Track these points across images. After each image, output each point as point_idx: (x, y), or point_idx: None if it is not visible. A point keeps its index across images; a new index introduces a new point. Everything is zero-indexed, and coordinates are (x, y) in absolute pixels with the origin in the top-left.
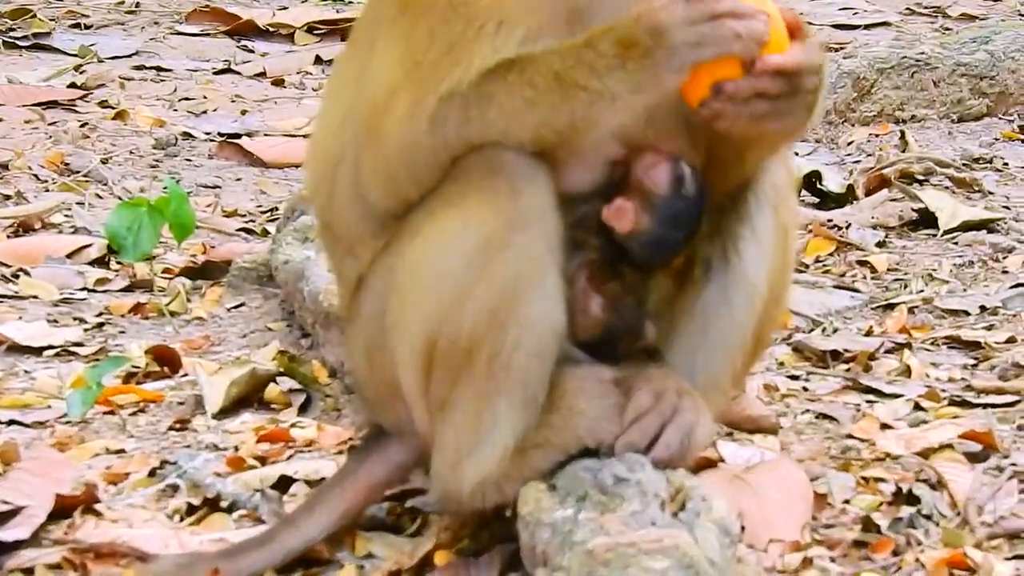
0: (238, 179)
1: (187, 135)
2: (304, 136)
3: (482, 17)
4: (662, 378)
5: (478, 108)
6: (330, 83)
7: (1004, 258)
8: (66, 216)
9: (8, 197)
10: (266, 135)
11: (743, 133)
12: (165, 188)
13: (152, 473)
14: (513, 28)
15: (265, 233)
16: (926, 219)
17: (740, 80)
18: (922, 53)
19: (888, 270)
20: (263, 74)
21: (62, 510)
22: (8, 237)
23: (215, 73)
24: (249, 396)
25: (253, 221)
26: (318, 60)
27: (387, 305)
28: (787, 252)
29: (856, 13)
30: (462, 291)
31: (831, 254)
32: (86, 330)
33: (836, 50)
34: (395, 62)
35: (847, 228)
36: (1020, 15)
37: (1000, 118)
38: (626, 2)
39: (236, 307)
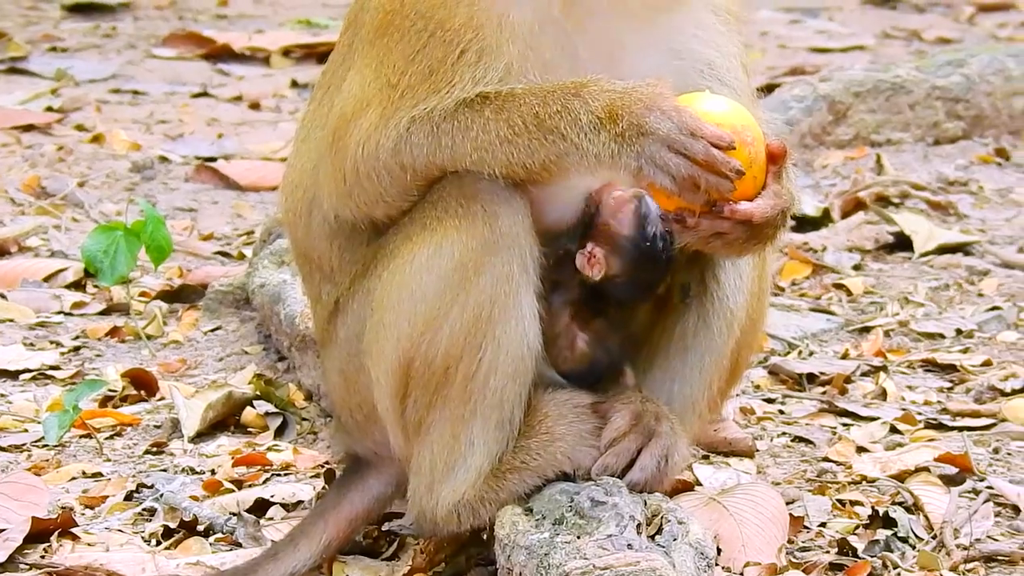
0: (215, 202)
1: (163, 158)
2: (281, 160)
3: (462, 44)
4: (639, 402)
5: (451, 137)
6: (308, 108)
7: (980, 281)
8: (42, 239)
9: None
10: (242, 158)
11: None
12: (141, 211)
13: (129, 496)
14: (495, 59)
15: (241, 256)
16: (902, 242)
17: (700, 219)
18: (898, 76)
19: (864, 293)
20: (239, 97)
21: (39, 533)
22: None
23: (191, 96)
24: (226, 419)
25: (229, 244)
26: (294, 83)
27: (363, 328)
28: (764, 277)
29: (832, 36)
30: (438, 313)
31: (807, 277)
32: (63, 353)
33: (811, 73)
34: (369, 81)
35: (823, 251)
36: (995, 38)
37: (975, 141)
38: (610, 51)
39: (212, 330)
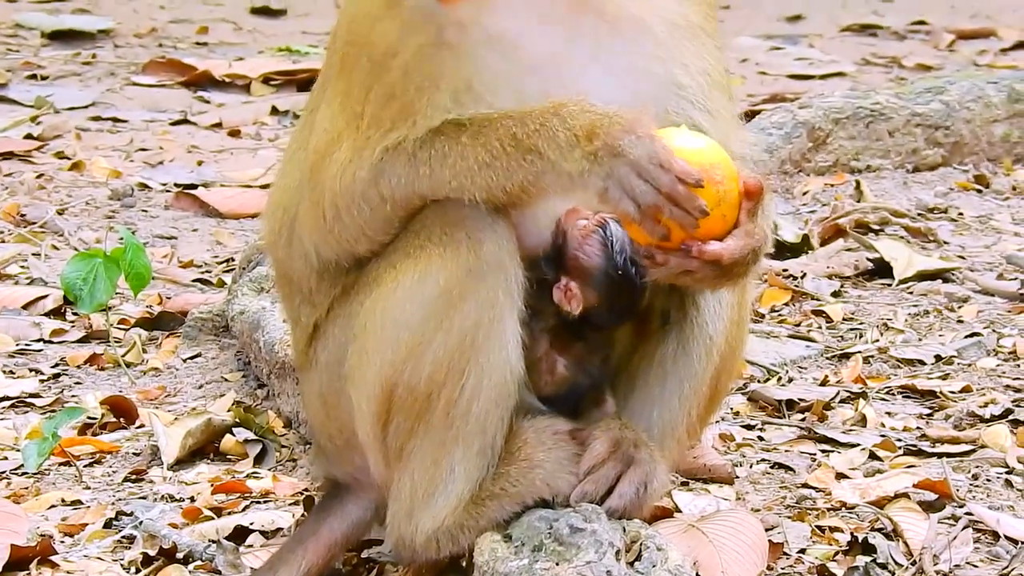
0: (194, 230)
1: (143, 186)
2: (261, 187)
3: (414, 72)
4: (618, 429)
5: (428, 166)
6: (291, 139)
7: (959, 308)
8: (22, 267)
9: None
10: (222, 186)
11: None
12: (121, 239)
13: (108, 524)
14: (449, 84)
15: (221, 284)
16: (881, 269)
17: (669, 256)
18: (877, 103)
19: (843, 320)
20: (219, 125)
21: (18, 561)
22: None
23: (171, 124)
24: (205, 447)
25: (209, 272)
26: (274, 111)
27: (345, 353)
28: (743, 304)
29: (812, 63)
30: (422, 340)
31: (787, 304)
32: (42, 381)
33: (791, 100)
34: (337, 113)
35: (802, 278)
36: (975, 65)
37: (955, 168)
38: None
39: (192, 358)
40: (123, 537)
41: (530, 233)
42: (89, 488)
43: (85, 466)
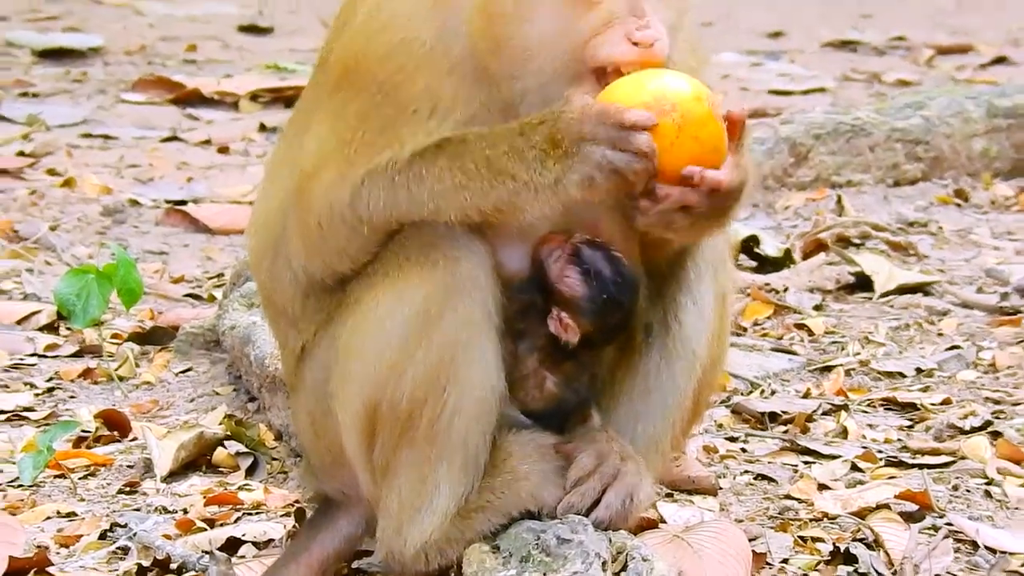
0: (185, 245)
1: (134, 202)
2: (250, 203)
3: (415, 103)
4: (604, 441)
5: (407, 190)
6: (273, 156)
7: (939, 321)
8: (16, 283)
9: None
10: (212, 202)
11: (659, 234)
12: (113, 255)
13: (103, 536)
14: (447, 115)
15: (212, 299)
16: (862, 282)
17: (670, 190)
18: (858, 119)
19: (825, 333)
20: (208, 141)
21: (15, 572)
22: None
23: (161, 141)
24: (197, 459)
25: (200, 287)
26: (263, 127)
27: (330, 374)
28: (725, 318)
29: (793, 79)
30: (402, 357)
31: (769, 317)
32: (36, 395)
33: (773, 115)
34: (326, 136)
35: (785, 292)
36: (954, 81)
37: (935, 182)
38: (548, 102)
39: (184, 372)
40: (118, 548)
41: (508, 257)
42: (84, 500)
43: (80, 478)
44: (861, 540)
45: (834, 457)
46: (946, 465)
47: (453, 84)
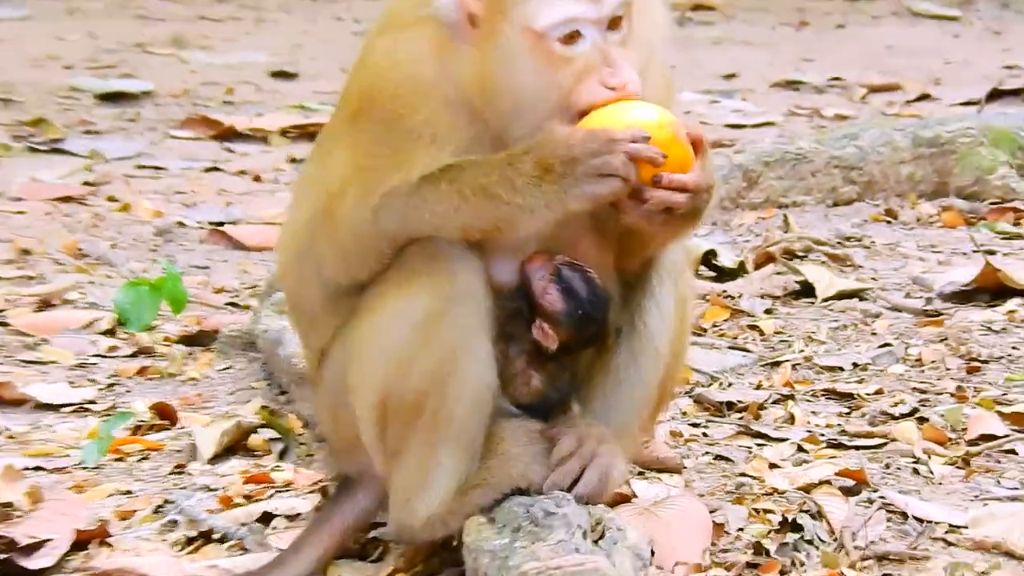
0: (224, 261)
1: (181, 224)
2: (280, 224)
3: (418, 131)
4: (583, 427)
5: (415, 209)
6: (300, 178)
7: (872, 322)
8: (80, 294)
9: (32, 278)
10: (248, 223)
11: (642, 230)
12: (163, 269)
13: (155, 511)
14: (445, 143)
15: (248, 307)
16: (806, 289)
17: (655, 192)
18: (801, 148)
19: (774, 333)
20: (244, 171)
21: (80, 542)
22: (32, 312)
23: (204, 171)
24: (236, 445)
25: (238, 296)
26: (291, 159)
27: (347, 371)
28: (685, 320)
29: (745, 114)
30: (408, 357)
31: (726, 320)
32: (99, 390)
33: (728, 146)
34: (347, 161)
35: (739, 298)
36: (884, 115)
37: (868, 203)
38: (533, 133)
39: (224, 369)
40: (168, 521)
41: (497, 270)
42: (139, 480)
43: (135, 461)
44: (806, 512)
45: (782, 440)
46: (879, 446)
47: (450, 117)
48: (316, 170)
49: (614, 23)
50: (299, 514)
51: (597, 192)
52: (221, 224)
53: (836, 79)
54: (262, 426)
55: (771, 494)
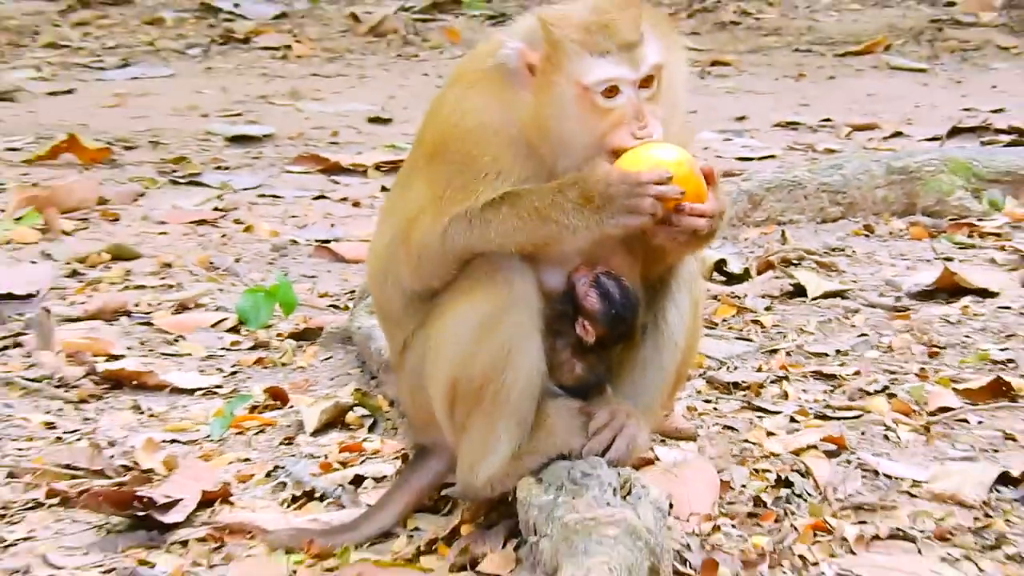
0: (328, 271)
1: (294, 242)
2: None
3: (485, 169)
4: (615, 405)
5: (479, 229)
6: (384, 206)
7: (852, 316)
8: (211, 299)
9: (171, 286)
10: (348, 241)
11: (666, 246)
12: (277, 279)
13: (268, 475)
14: (508, 176)
15: (346, 308)
16: (799, 290)
17: (682, 218)
18: (796, 176)
19: (773, 326)
20: (346, 199)
21: (206, 501)
22: (171, 314)
23: (313, 199)
24: (334, 420)
25: (338, 300)
26: (384, 188)
27: (423, 361)
28: (697, 318)
29: (752, 149)
30: (473, 350)
31: (733, 316)
32: (224, 377)
33: (737, 175)
34: (423, 192)
35: (744, 297)
36: (865, 148)
37: (850, 220)
38: (577, 166)
39: (326, 359)
40: (278, 483)
41: (547, 278)
42: (255, 450)
43: (253, 435)
44: (797, 471)
45: (778, 413)
46: (856, 417)
47: (511, 155)
48: (397, 200)
49: (646, 82)
50: (385, 476)
51: (628, 223)
52: (327, 242)
53: (826, 120)
54: (356, 405)
55: (768, 457)
